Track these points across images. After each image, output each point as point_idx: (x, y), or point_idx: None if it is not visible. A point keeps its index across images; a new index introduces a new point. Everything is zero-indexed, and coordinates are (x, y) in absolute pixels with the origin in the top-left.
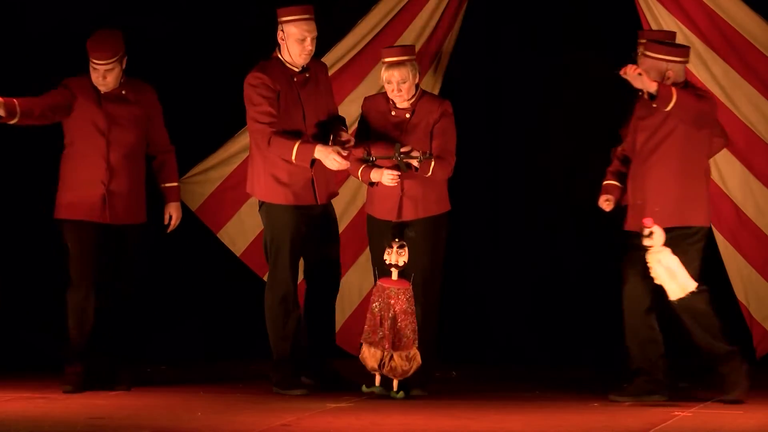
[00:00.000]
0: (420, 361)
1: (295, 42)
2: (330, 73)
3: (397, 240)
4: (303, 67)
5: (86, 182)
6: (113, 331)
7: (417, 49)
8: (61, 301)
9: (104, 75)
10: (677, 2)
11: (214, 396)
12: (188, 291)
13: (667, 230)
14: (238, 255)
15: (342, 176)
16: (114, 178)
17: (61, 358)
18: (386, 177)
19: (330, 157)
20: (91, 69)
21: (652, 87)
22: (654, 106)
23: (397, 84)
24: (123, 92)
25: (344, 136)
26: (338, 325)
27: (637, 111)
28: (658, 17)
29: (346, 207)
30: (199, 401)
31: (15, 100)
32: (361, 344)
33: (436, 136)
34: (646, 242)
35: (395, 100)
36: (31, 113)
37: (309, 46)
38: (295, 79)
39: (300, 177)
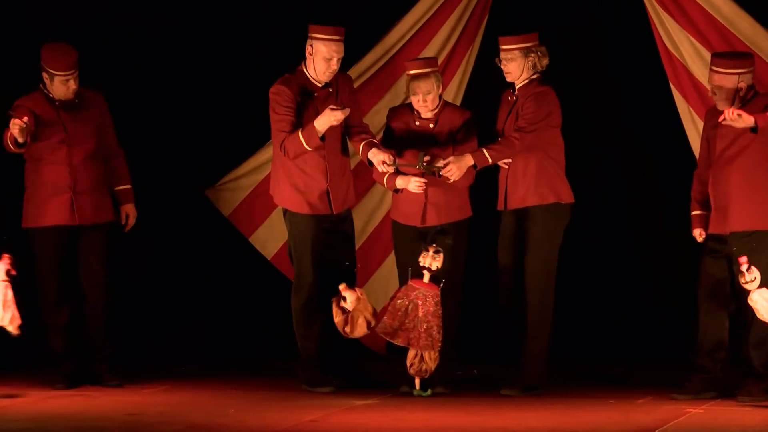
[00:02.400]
0: (438, 361)
1: (321, 60)
2: (356, 84)
3: (434, 245)
4: (326, 82)
5: (52, 189)
6: (89, 330)
7: (440, 61)
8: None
9: (71, 83)
10: (688, 17)
11: (245, 393)
12: (221, 291)
13: (750, 233)
14: (268, 259)
15: (364, 186)
16: (78, 181)
17: (44, 360)
18: (413, 184)
19: (327, 117)
20: (56, 81)
21: (750, 121)
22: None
23: (422, 95)
24: (76, 100)
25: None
26: None
27: (709, 122)
28: (670, 31)
29: (371, 213)
30: (230, 398)
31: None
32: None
33: (459, 145)
34: (747, 278)
35: (420, 111)
36: (28, 143)
37: (334, 65)
38: (316, 94)
39: (315, 187)
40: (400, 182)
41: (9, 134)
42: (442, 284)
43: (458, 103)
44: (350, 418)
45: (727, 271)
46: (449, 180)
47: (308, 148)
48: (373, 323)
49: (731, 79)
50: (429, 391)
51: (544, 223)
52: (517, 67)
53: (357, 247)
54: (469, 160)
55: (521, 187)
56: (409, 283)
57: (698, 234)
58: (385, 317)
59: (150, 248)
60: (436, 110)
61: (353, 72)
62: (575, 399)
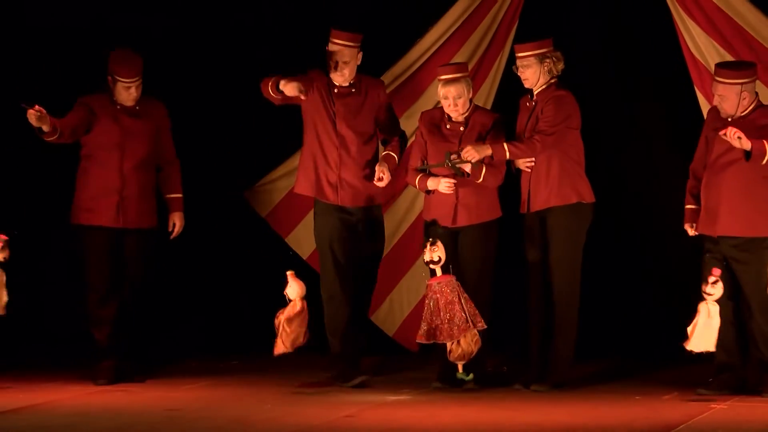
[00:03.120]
0: (480, 342)
1: (330, 62)
2: (389, 89)
3: (430, 239)
4: (348, 83)
5: (102, 190)
6: (122, 330)
7: (471, 66)
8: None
9: (132, 90)
10: (713, 24)
11: (282, 389)
12: (263, 290)
13: (738, 239)
14: (304, 258)
15: (392, 189)
16: (126, 186)
17: (89, 356)
18: (443, 185)
19: (291, 86)
20: (118, 86)
21: (747, 146)
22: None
23: (453, 99)
24: (137, 107)
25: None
26: (397, 324)
27: (711, 123)
28: (695, 36)
29: (404, 214)
30: (268, 394)
31: (55, 121)
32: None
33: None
34: (708, 290)
35: (451, 115)
36: (62, 134)
37: (343, 68)
38: (336, 90)
39: (325, 174)
40: (431, 183)
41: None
42: (451, 269)
43: (488, 107)
44: (384, 413)
45: (729, 272)
46: (469, 161)
47: (271, 92)
48: (298, 344)
49: (734, 89)
50: (471, 375)
51: (567, 224)
52: (533, 73)
53: (390, 246)
54: (487, 149)
55: (544, 189)
56: (428, 283)
57: (689, 228)
58: (422, 324)
59: (185, 248)
60: (466, 113)
61: (387, 77)
62: (602, 395)
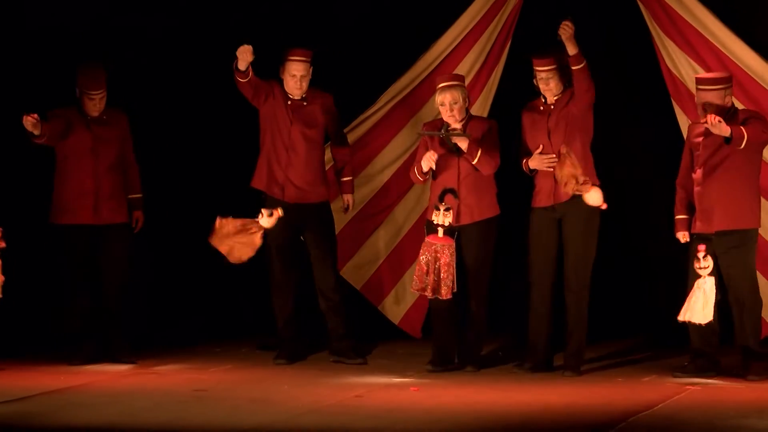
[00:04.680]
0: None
1: (287, 76)
2: (393, 102)
3: (444, 203)
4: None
5: (78, 192)
6: (107, 316)
7: (469, 79)
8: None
9: (97, 102)
10: (686, 40)
11: (298, 372)
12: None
13: (732, 233)
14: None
15: (405, 187)
16: (101, 187)
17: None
18: (427, 155)
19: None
20: (85, 98)
21: (726, 131)
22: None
23: (449, 105)
24: (104, 117)
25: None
26: (402, 314)
27: (695, 130)
28: (671, 52)
29: (408, 213)
30: (285, 376)
31: (44, 126)
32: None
33: (483, 143)
34: (702, 264)
35: (449, 122)
36: (50, 138)
37: (301, 81)
38: (290, 102)
39: (273, 175)
40: (425, 164)
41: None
42: (455, 235)
43: (485, 115)
44: (391, 393)
45: (715, 266)
46: (473, 158)
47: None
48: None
49: (719, 94)
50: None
51: (582, 218)
52: (556, 84)
53: (396, 241)
54: (465, 141)
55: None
56: (426, 239)
57: (682, 236)
58: (415, 276)
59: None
60: (463, 121)
61: (393, 89)
62: (587, 377)
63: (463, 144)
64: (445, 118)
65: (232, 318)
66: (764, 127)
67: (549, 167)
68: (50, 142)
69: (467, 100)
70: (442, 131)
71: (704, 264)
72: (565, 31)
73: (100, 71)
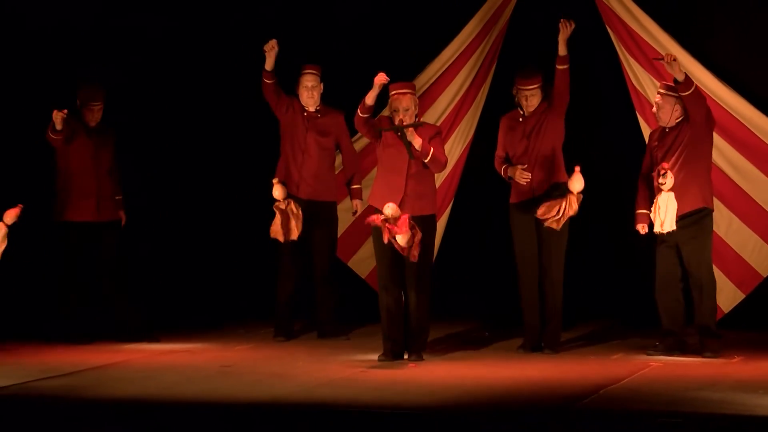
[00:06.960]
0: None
1: (302, 89)
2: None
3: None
4: (316, 108)
5: (81, 193)
6: (114, 302)
7: (459, 97)
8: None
9: (95, 112)
10: (648, 61)
11: (313, 350)
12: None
13: (690, 215)
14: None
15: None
16: (101, 188)
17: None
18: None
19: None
20: (86, 110)
21: (681, 75)
22: (678, 89)
23: (402, 111)
24: (100, 127)
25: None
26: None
27: (652, 139)
28: (636, 72)
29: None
30: (302, 353)
31: (65, 127)
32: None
33: (434, 144)
34: (661, 180)
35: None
36: (63, 135)
37: (312, 93)
38: (305, 114)
39: (290, 174)
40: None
41: (50, 125)
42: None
43: (473, 130)
44: (392, 369)
45: (677, 257)
46: (426, 156)
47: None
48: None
49: (670, 100)
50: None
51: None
52: (537, 100)
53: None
54: (419, 141)
55: (538, 175)
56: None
57: (641, 228)
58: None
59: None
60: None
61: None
62: (564, 356)
63: (416, 143)
64: (397, 123)
65: (253, 303)
66: (704, 102)
67: (524, 182)
68: (60, 144)
69: (417, 106)
70: (397, 129)
71: (664, 181)
72: (565, 30)
73: (99, 86)
